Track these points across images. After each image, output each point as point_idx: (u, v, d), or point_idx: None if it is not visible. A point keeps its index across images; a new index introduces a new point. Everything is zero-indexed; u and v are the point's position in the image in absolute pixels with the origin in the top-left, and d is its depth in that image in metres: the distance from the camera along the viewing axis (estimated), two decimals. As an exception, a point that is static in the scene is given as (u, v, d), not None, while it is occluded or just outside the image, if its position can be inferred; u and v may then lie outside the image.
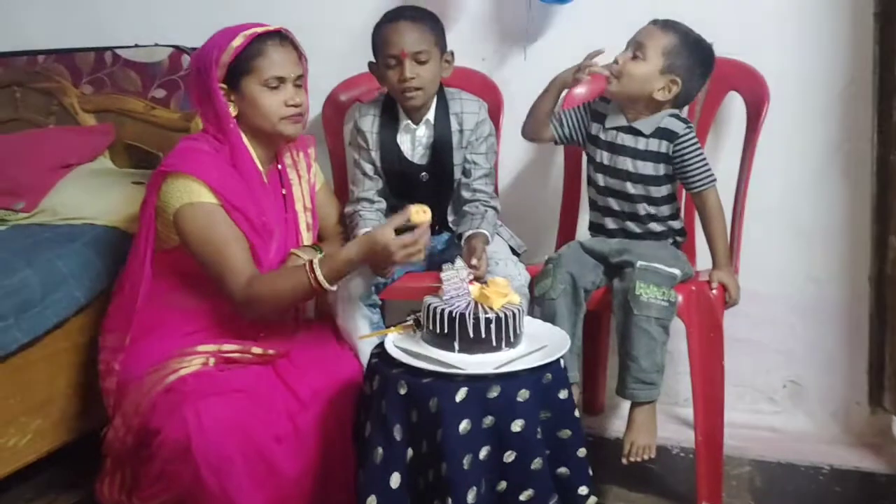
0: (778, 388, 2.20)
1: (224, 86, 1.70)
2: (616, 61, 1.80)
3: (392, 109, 1.97)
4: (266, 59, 1.69)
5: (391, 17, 1.91)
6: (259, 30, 1.71)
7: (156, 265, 1.72)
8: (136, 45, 2.38)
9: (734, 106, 2.07)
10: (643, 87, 1.80)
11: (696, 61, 1.80)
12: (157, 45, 2.36)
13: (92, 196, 2.12)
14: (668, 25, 1.80)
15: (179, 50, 2.32)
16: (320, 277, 1.59)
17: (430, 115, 1.95)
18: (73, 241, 1.95)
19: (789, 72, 2.04)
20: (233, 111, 1.71)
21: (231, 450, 1.52)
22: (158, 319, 1.72)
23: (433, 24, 1.91)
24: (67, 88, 2.41)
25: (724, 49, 2.02)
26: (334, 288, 1.62)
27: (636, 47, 1.79)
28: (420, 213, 1.58)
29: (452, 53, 1.97)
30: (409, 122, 1.95)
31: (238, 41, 1.69)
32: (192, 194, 1.65)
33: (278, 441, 1.60)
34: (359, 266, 1.63)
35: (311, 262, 1.60)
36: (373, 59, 1.96)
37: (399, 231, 1.58)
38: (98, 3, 2.56)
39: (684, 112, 1.93)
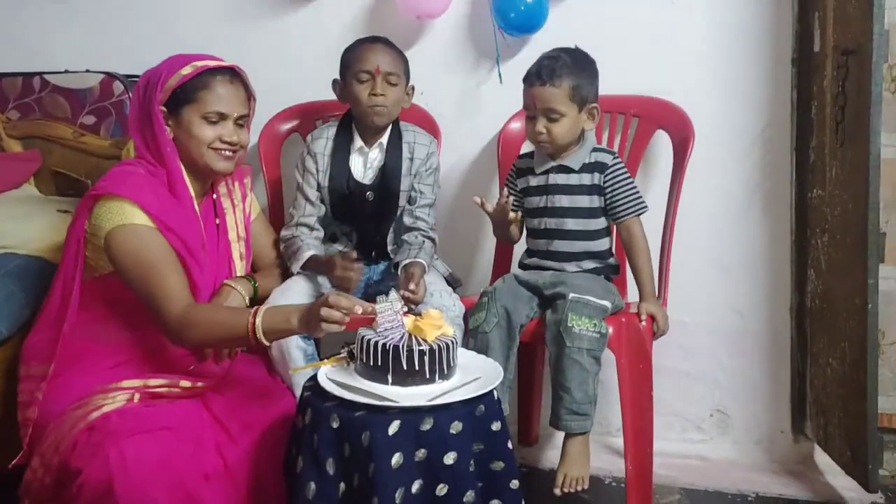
0: (705, 416, 2.26)
1: (164, 109, 1.69)
2: (539, 133, 1.82)
3: (347, 132, 2.01)
4: (212, 93, 1.69)
5: (370, 40, 1.99)
6: (212, 63, 1.70)
7: (82, 294, 1.67)
8: (67, 71, 2.33)
9: (661, 144, 2.15)
10: (574, 132, 1.86)
11: (589, 75, 1.85)
12: (88, 70, 2.31)
13: (15, 224, 2.05)
14: (552, 74, 1.79)
15: (111, 77, 2.28)
16: (259, 329, 1.50)
17: (384, 139, 2.00)
18: (-6, 270, 1.88)
19: (713, 113, 2.13)
20: (169, 135, 1.70)
21: (157, 490, 1.47)
22: (82, 351, 1.66)
23: (403, 56, 2.01)
24: (-8, 113, 2.34)
25: (653, 88, 2.12)
26: (267, 343, 1.53)
27: (544, 113, 1.81)
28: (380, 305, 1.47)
29: (413, 88, 2.03)
30: (363, 144, 1.99)
31: (187, 70, 1.68)
32: (125, 216, 1.61)
33: (207, 478, 1.54)
34: (295, 323, 1.50)
35: (256, 309, 1.53)
36: (337, 78, 2.00)
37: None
38: (26, 28, 2.50)
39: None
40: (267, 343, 1.53)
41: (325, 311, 1.43)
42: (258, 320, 1.50)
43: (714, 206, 2.18)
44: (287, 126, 2.28)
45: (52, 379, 1.64)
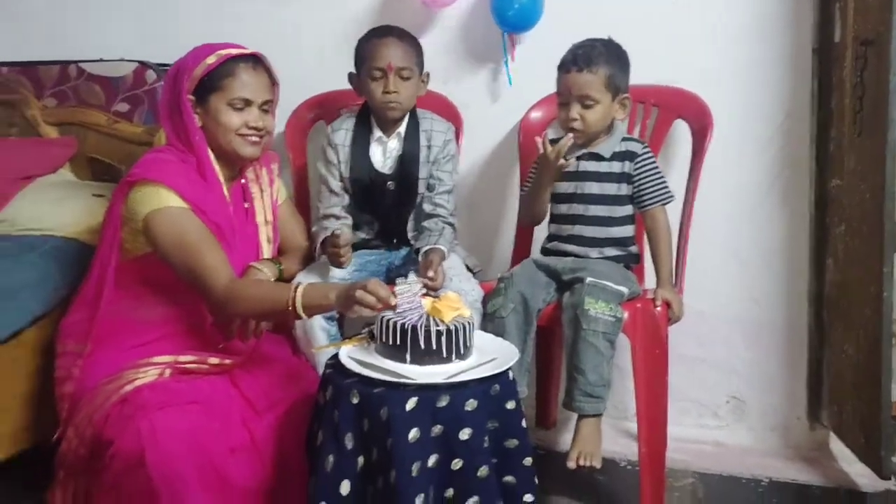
0: (721, 403, 2.28)
1: (192, 97, 1.75)
2: (573, 119, 1.85)
3: (365, 123, 2.04)
4: (236, 80, 1.74)
5: (380, 33, 1.99)
6: (234, 51, 1.76)
7: (117, 275, 1.74)
8: (102, 60, 2.41)
9: (680, 134, 2.17)
10: (607, 121, 1.90)
11: (625, 66, 1.89)
12: (122, 59, 2.39)
13: (52, 207, 2.13)
14: (589, 61, 1.83)
15: (144, 65, 2.36)
16: (299, 303, 1.57)
17: (402, 129, 2.03)
18: (31, 251, 1.96)
19: (733, 103, 2.14)
20: (197, 122, 1.76)
21: (185, 462, 1.53)
22: (116, 329, 1.73)
23: (416, 45, 2.01)
24: (30, 100, 2.42)
25: (672, 79, 2.14)
26: (306, 317, 1.60)
27: (580, 99, 1.84)
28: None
29: (428, 75, 2.06)
30: (382, 134, 2.03)
31: (212, 59, 1.74)
32: (161, 199, 1.68)
33: (233, 452, 1.61)
34: (334, 302, 1.57)
35: (297, 285, 1.60)
36: (353, 71, 2.03)
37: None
38: (64, 17, 2.59)
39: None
40: (305, 317, 1.60)
41: (359, 294, 1.49)
42: (299, 295, 1.57)
43: (732, 195, 2.20)
44: (312, 115, 2.33)
45: (87, 355, 1.71)
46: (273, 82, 1.81)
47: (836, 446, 2.15)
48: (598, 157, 1.92)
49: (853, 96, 1.92)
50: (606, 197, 1.91)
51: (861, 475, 2.01)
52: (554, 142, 1.88)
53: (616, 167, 1.91)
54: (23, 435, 1.90)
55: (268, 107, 1.80)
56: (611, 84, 1.85)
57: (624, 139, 1.93)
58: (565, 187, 1.95)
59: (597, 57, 1.83)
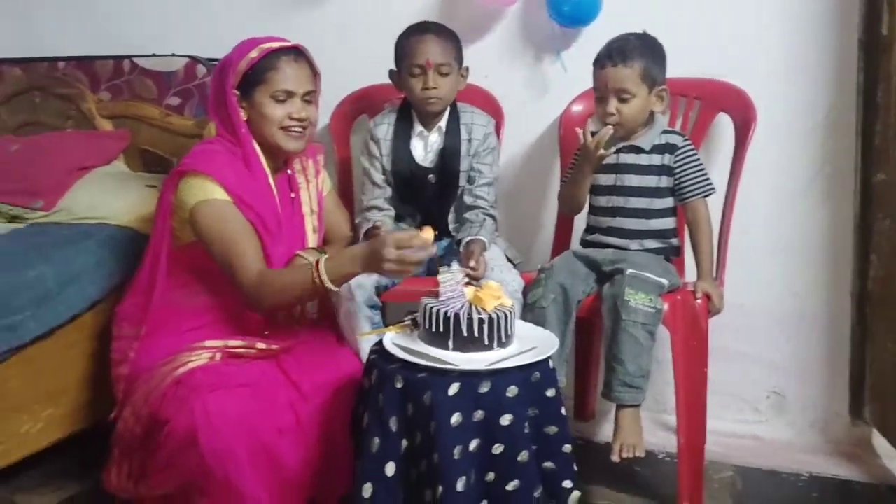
0: (762, 398, 2.27)
1: (237, 92, 1.80)
2: (610, 114, 1.86)
3: (407, 118, 2.08)
4: (278, 72, 1.79)
5: (419, 30, 2.02)
6: (275, 45, 1.81)
7: (169, 261, 1.81)
8: (154, 55, 2.48)
9: (723, 126, 2.16)
10: (644, 114, 1.91)
11: (660, 59, 1.89)
12: (173, 55, 2.46)
13: (107, 197, 2.21)
14: (623, 55, 1.84)
15: (194, 60, 2.42)
16: (324, 276, 1.64)
17: (443, 123, 2.06)
18: (88, 239, 2.04)
19: (775, 96, 2.13)
20: (243, 116, 1.81)
21: (235, 441, 1.59)
22: (169, 315, 1.80)
23: (454, 41, 2.04)
24: (86, 94, 2.51)
25: (715, 72, 2.14)
26: (336, 288, 1.66)
27: (616, 94, 1.86)
28: (426, 231, 1.62)
29: (467, 69, 2.09)
30: (423, 129, 2.06)
31: (254, 53, 1.79)
32: (206, 192, 1.74)
33: (281, 433, 1.66)
34: (360, 267, 1.65)
35: (317, 261, 1.67)
36: (393, 68, 2.06)
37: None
38: (118, 14, 2.67)
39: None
40: (336, 288, 1.65)
41: (388, 265, 1.55)
42: (321, 271, 1.62)
43: (775, 188, 2.19)
44: (356, 108, 2.38)
45: (142, 339, 1.78)
46: (315, 73, 1.85)
47: (880, 442, 2.13)
48: (637, 150, 1.93)
49: (900, 89, 1.90)
50: (646, 189, 1.92)
51: (904, 472, 2.00)
52: (594, 134, 1.89)
53: (656, 159, 1.92)
54: (79, 415, 1.99)
55: (310, 97, 1.83)
56: (646, 77, 1.86)
57: (664, 132, 1.94)
58: (605, 179, 1.96)
59: (631, 51, 1.85)
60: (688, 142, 1.93)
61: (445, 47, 2.00)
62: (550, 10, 2.20)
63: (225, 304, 1.82)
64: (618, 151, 1.94)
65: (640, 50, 1.86)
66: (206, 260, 1.77)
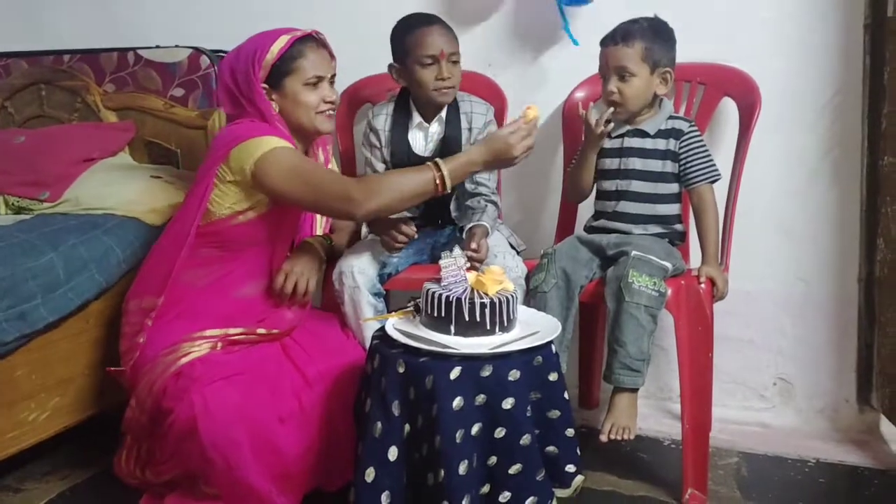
0: (768, 385, 2.26)
1: (266, 86, 1.81)
2: (611, 92, 1.87)
3: (404, 109, 2.08)
4: (307, 59, 1.81)
5: (425, 21, 2.01)
6: (298, 33, 1.83)
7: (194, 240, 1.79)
8: (158, 46, 2.49)
9: (728, 111, 2.15)
10: (646, 95, 1.90)
11: (665, 40, 1.89)
12: (177, 46, 2.46)
13: (112, 188, 2.22)
14: (626, 35, 1.86)
15: (198, 51, 2.43)
16: (446, 175, 1.70)
17: (443, 113, 2.06)
18: (95, 228, 2.05)
19: (781, 80, 2.11)
20: (274, 108, 1.82)
21: (236, 432, 1.61)
22: (176, 298, 1.80)
23: (454, 31, 2.04)
24: (91, 87, 2.52)
25: (719, 56, 2.13)
26: (448, 189, 1.73)
27: (617, 72, 1.86)
28: (532, 110, 1.74)
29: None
30: (422, 120, 2.06)
31: (281, 43, 1.80)
32: (265, 145, 1.74)
33: (282, 421, 1.68)
34: (482, 167, 1.75)
35: (436, 161, 1.73)
36: (393, 63, 2.04)
37: None
38: (122, 6, 2.68)
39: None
40: (450, 188, 1.74)
41: (514, 149, 1.70)
42: (444, 171, 1.71)
43: (781, 173, 2.17)
44: (358, 97, 2.38)
45: (154, 321, 1.77)
46: (332, 56, 1.88)
47: (888, 429, 2.11)
48: (643, 134, 1.93)
49: (906, 71, 1.88)
50: (650, 174, 1.92)
51: (912, 458, 1.99)
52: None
53: (661, 144, 1.91)
54: (86, 403, 2.01)
55: (333, 80, 1.88)
56: (648, 57, 1.85)
57: (671, 117, 1.93)
58: (610, 163, 1.96)
59: (635, 31, 1.86)
60: (694, 127, 1.93)
61: (452, 36, 2.01)
62: None
63: (227, 290, 1.83)
64: (623, 135, 1.93)
65: (643, 31, 1.86)
66: (226, 237, 1.79)
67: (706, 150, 1.91)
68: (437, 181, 1.70)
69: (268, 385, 1.69)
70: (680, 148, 1.90)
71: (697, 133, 1.92)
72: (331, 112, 1.87)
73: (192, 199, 1.82)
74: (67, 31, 2.72)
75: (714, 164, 1.91)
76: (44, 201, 2.22)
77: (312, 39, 1.84)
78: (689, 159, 1.90)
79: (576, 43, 2.23)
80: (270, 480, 1.64)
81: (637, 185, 1.92)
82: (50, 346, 1.89)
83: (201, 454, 1.61)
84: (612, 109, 1.87)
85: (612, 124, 1.90)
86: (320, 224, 1.96)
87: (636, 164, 1.92)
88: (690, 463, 1.82)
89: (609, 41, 1.89)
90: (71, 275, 1.91)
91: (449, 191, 1.74)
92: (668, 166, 1.92)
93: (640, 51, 1.85)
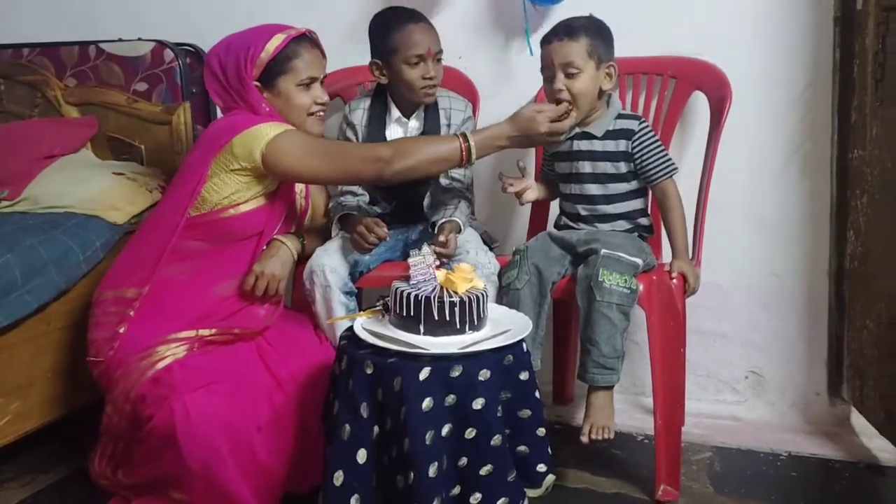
0: (740, 378, 2.27)
1: (257, 84, 1.76)
2: (559, 90, 1.83)
3: (381, 104, 2.05)
4: (302, 60, 1.78)
5: (410, 19, 1.97)
6: (294, 32, 1.79)
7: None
8: (120, 40, 2.43)
9: (699, 105, 2.14)
10: (594, 90, 1.87)
11: (606, 37, 1.88)
12: (140, 39, 2.41)
13: (73, 186, 2.17)
14: (570, 31, 1.84)
15: (162, 45, 2.37)
16: (472, 146, 1.70)
17: (421, 108, 2.03)
18: (55, 228, 1.99)
19: (751, 73, 2.11)
20: (265, 108, 1.78)
21: (216, 441, 1.58)
22: (152, 293, 1.75)
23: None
24: (52, 81, 2.46)
25: (690, 49, 2.12)
26: (473, 161, 1.73)
27: (563, 68, 1.83)
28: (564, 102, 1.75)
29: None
30: (401, 115, 2.04)
31: (277, 42, 1.76)
32: (274, 128, 1.72)
33: (259, 430, 1.65)
34: (508, 142, 1.76)
35: (463, 133, 1.72)
36: (376, 60, 2.00)
37: None
38: (84, -1, 2.61)
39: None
40: (473, 163, 1.76)
41: (542, 127, 1.69)
42: (470, 139, 1.71)
43: (752, 167, 2.17)
44: (330, 91, 2.33)
45: (131, 321, 1.72)
46: (324, 56, 1.86)
47: (858, 421, 2.12)
48: (589, 136, 1.91)
49: (874, 64, 1.88)
50: (601, 176, 1.90)
51: (882, 450, 1.99)
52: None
53: (610, 146, 1.89)
54: (49, 407, 1.96)
55: (324, 81, 1.85)
56: (593, 52, 1.83)
57: (619, 116, 1.91)
58: (563, 167, 1.95)
59: (578, 27, 1.84)
60: (644, 124, 1.90)
61: (436, 34, 1.99)
62: None
63: (205, 286, 1.79)
64: (572, 139, 1.92)
65: (586, 27, 1.85)
66: (212, 230, 1.75)
67: (659, 146, 1.89)
68: (463, 152, 1.70)
69: (247, 393, 1.67)
70: (633, 148, 1.88)
71: (648, 129, 1.89)
72: (321, 113, 1.84)
73: (181, 189, 1.77)
74: (27, 24, 2.64)
75: (669, 158, 1.89)
76: (2, 200, 2.16)
77: (307, 39, 1.81)
78: (644, 159, 1.88)
79: (531, 53, 2.20)
80: (249, 489, 1.62)
81: (591, 188, 1.91)
82: (8, 350, 1.84)
83: (180, 461, 1.58)
84: (566, 105, 1.81)
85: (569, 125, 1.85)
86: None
87: (586, 167, 1.91)
88: (663, 459, 1.82)
89: (553, 37, 1.85)
90: (28, 277, 1.86)
91: (472, 163, 1.74)
92: (623, 167, 1.89)
93: (586, 45, 1.83)
